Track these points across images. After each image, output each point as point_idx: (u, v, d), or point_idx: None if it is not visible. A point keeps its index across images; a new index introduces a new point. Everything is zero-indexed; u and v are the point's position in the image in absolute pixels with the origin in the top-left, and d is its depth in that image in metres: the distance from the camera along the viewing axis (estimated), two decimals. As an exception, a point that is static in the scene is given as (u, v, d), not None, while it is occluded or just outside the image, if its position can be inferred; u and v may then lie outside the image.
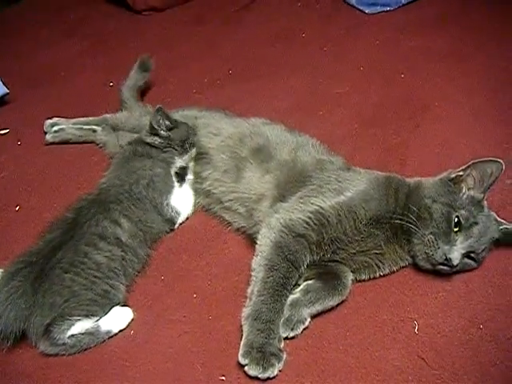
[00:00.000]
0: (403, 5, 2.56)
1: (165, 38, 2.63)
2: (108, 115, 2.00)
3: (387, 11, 2.55)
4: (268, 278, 1.28)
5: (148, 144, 1.61)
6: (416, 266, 1.39)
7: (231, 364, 1.23)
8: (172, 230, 1.60)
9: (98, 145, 1.98)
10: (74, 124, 2.01)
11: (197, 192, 1.67)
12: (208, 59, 2.43)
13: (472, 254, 1.32)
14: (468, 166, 1.35)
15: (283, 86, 2.18)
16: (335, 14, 2.61)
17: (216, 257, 1.52)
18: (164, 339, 1.32)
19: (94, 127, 1.97)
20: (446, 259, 1.29)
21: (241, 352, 1.20)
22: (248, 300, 1.29)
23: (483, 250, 1.33)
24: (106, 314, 1.35)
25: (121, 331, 1.35)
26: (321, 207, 1.35)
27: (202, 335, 1.31)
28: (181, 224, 1.63)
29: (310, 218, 1.34)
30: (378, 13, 2.56)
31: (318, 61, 2.30)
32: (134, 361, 1.27)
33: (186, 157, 1.65)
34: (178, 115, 1.78)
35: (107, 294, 1.35)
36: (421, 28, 2.36)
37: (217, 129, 1.67)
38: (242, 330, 1.26)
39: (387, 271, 1.37)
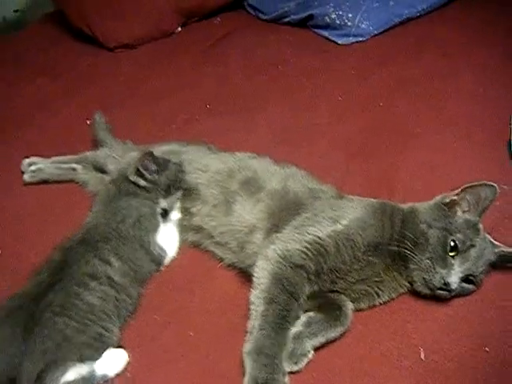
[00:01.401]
0: (375, 35, 2.58)
1: (138, 75, 2.62)
2: (88, 153, 1.98)
3: (360, 41, 2.58)
4: (268, 311, 1.27)
5: (133, 183, 1.57)
6: (415, 292, 1.39)
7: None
8: (159, 269, 1.57)
9: (77, 183, 1.94)
10: (52, 163, 1.97)
11: (185, 228, 1.65)
12: (184, 94, 2.43)
13: (470, 277, 1.34)
14: (462, 190, 1.38)
15: (263, 119, 2.19)
16: (308, 46, 2.65)
17: (209, 293, 1.50)
18: (164, 381, 1.28)
19: (73, 165, 1.95)
20: (445, 283, 1.30)
21: None
22: (249, 335, 1.27)
23: (481, 273, 1.34)
24: (99, 357, 1.30)
25: (117, 375, 1.30)
26: (318, 237, 1.35)
27: (203, 375, 1.28)
28: (168, 263, 1.60)
29: (307, 248, 1.34)
30: (351, 44, 2.58)
31: (295, 93, 2.32)
32: (133, 406, 1.21)
33: (170, 199, 1.64)
34: (159, 150, 1.77)
35: (101, 336, 1.32)
36: (394, 57, 2.41)
37: (204, 165, 1.68)
38: (243, 367, 1.24)
39: (386, 298, 1.37)
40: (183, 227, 1.64)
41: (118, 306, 1.39)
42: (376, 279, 1.35)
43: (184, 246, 1.64)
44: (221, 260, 1.56)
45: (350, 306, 1.34)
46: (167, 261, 1.59)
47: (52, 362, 1.25)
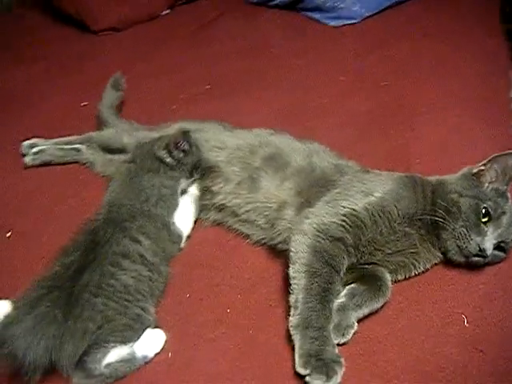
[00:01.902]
0: (366, 17, 2.57)
1: (128, 58, 2.54)
2: (93, 133, 1.91)
3: (351, 24, 2.56)
4: (312, 284, 1.24)
5: (158, 159, 1.51)
6: (447, 263, 1.39)
7: (288, 376, 1.18)
8: (179, 249, 1.52)
9: (84, 164, 1.87)
10: (54, 144, 1.88)
11: (207, 207, 1.60)
12: (180, 76, 2.37)
13: (502, 244, 1.35)
14: (489, 160, 1.38)
15: (264, 99, 2.15)
16: (299, 29, 2.62)
17: (239, 270, 1.47)
18: (207, 359, 1.24)
19: (77, 146, 1.88)
20: (480, 250, 1.31)
21: (299, 362, 1.16)
22: (293, 309, 1.24)
23: (511, 240, 1.33)
24: (138, 338, 1.25)
25: (156, 355, 1.25)
26: (353, 209, 1.33)
27: (248, 350, 1.25)
28: (184, 243, 1.54)
29: (344, 220, 1.31)
30: (343, 25, 2.56)
31: (293, 75, 2.29)
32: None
33: (189, 181, 1.59)
34: (170, 129, 1.70)
35: (140, 317, 1.27)
36: (388, 39, 2.41)
37: (221, 142, 1.62)
38: (290, 341, 1.22)
39: (421, 269, 1.37)
40: (204, 206, 1.60)
41: (151, 286, 1.34)
42: (412, 250, 1.34)
43: (206, 224, 1.59)
44: (247, 237, 1.53)
45: (388, 277, 1.32)
46: (184, 240, 1.53)
47: (94, 344, 1.20)
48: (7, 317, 1.22)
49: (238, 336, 1.28)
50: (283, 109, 2.08)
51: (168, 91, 2.27)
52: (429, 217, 1.35)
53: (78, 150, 1.87)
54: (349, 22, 2.61)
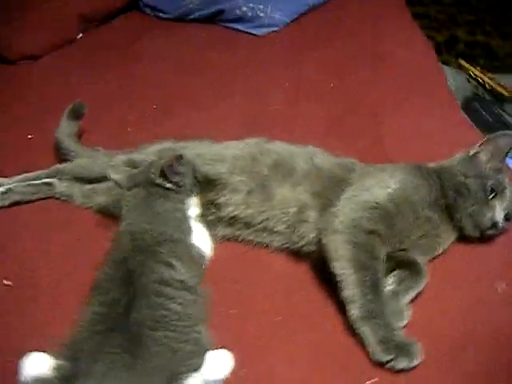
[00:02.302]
0: (287, 24, 2.64)
1: (59, 85, 2.40)
2: (61, 166, 1.80)
3: (275, 31, 2.61)
4: (364, 277, 1.29)
5: (158, 186, 1.46)
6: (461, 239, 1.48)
7: (368, 368, 1.20)
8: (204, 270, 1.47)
9: (57, 199, 1.75)
10: (21, 181, 1.75)
11: (213, 222, 1.57)
12: (121, 98, 2.27)
13: (507, 216, 1.45)
14: (483, 143, 1.50)
15: (218, 113, 2.13)
16: (224, 40, 2.63)
17: (268, 278, 1.47)
18: (282, 370, 1.23)
19: (48, 181, 1.75)
20: (493, 223, 1.41)
21: (378, 350, 1.20)
22: (351, 303, 1.28)
23: None
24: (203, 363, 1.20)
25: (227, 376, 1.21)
26: (377, 202, 1.39)
27: (320, 353, 1.26)
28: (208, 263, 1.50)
29: (371, 214, 1.37)
30: (268, 34, 2.60)
31: (237, 86, 2.28)
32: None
33: (192, 199, 1.54)
34: (152, 150, 1.66)
35: (199, 341, 1.23)
36: (316, 41, 2.49)
37: (217, 154, 1.61)
38: (358, 334, 1.25)
39: (444, 248, 1.46)
40: (209, 222, 1.56)
41: (197, 309, 1.29)
42: (434, 232, 1.42)
43: (216, 241, 1.55)
44: (265, 246, 1.52)
45: (420, 260, 1.38)
46: (207, 260, 1.49)
47: (168, 380, 1.13)
48: (62, 369, 1.13)
49: (304, 341, 1.28)
50: (241, 119, 2.08)
51: (116, 114, 2.18)
52: (443, 200, 1.42)
53: (49, 184, 1.76)
54: (272, 29, 2.66)
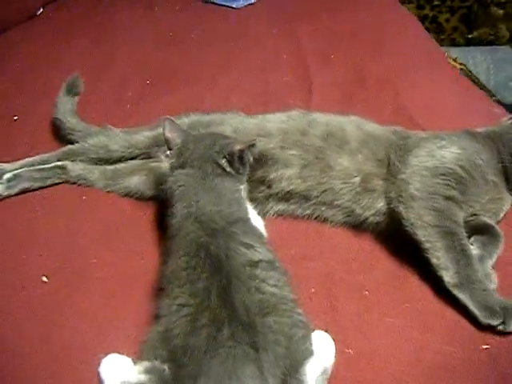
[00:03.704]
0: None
1: (36, 60, 2.10)
2: (73, 146, 1.57)
3: (252, 3, 2.47)
4: (453, 242, 1.20)
5: (218, 165, 1.29)
6: None
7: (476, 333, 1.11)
8: None
9: (73, 183, 1.52)
10: (27, 166, 1.50)
11: (263, 199, 1.43)
12: (110, 74, 2.05)
13: None
14: None
15: (221, 87, 1.97)
16: (204, 15, 2.44)
17: (341, 253, 1.34)
18: (390, 344, 1.12)
19: (60, 164, 1.52)
20: None
21: (484, 315, 1.12)
22: (444, 270, 1.19)
23: None
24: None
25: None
26: (449, 168, 1.30)
27: (420, 323, 1.15)
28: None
29: (446, 179, 1.29)
30: (246, 6, 2.44)
31: (233, 60, 2.12)
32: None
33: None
34: (183, 123, 1.47)
35: (304, 323, 1.08)
36: (303, 14, 2.37)
37: (260, 130, 1.44)
38: (457, 300, 1.16)
39: (503, 214, 1.39)
40: (259, 199, 1.41)
41: (289, 289, 1.14)
42: (498, 196, 1.35)
43: (270, 218, 1.41)
44: (325, 220, 1.38)
45: (491, 223, 1.31)
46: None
47: (291, 368, 0.99)
48: (159, 373, 0.96)
49: (397, 313, 1.17)
50: (248, 93, 1.93)
51: (110, 91, 1.95)
52: (500, 164, 1.36)
53: (62, 167, 1.52)
54: (250, 1, 2.50)
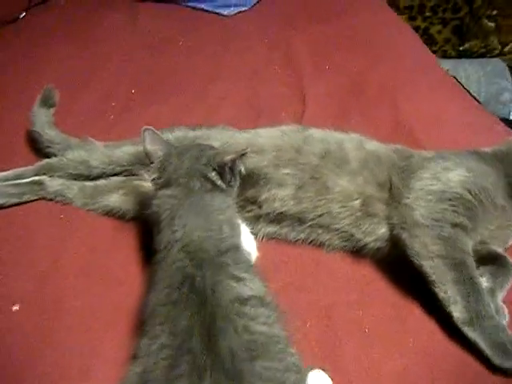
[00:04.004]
0: (254, 4, 2.37)
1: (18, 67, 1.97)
2: (51, 160, 1.44)
3: (243, 11, 2.34)
4: (461, 275, 1.11)
5: (207, 179, 1.16)
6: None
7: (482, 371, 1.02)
8: None
9: (49, 200, 1.40)
10: (4, 181, 1.37)
11: (253, 220, 1.31)
12: (93, 83, 1.91)
13: None
14: None
15: (211, 97, 1.84)
16: (195, 21, 2.30)
17: (338, 282, 1.24)
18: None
19: (37, 179, 1.39)
20: None
21: (496, 355, 1.02)
22: (452, 305, 1.09)
23: None
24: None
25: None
26: (456, 192, 1.19)
27: (431, 364, 1.06)
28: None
29: (453, 205, 1.18)
30: (236, 14, 2.32)
31: (223, 69, 1.99)
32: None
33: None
34: (168, 137, 1.36)
35: (299, 366, 0.97)
36: (296, 23, 2.24)
37: (252, 146, 1.32)
38: (468, 339, 1.06)
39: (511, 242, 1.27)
40: (249, 219, 1.29)
41: (280, 326, 1.02)
42: (507, 222, 1.24)
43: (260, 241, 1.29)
44: (322, 244, 1.27)
45: (500, 251, 1.20)
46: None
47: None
48: None
49: (400, 349, 1.08)
50: (239, 105, 1.82)
51: (93, 101, 1.82)
52: (509, 187, 1.26)
53: (39, 183, 1.39)
54: (239, 9, 2.37)
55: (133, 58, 2.05)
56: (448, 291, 1.08)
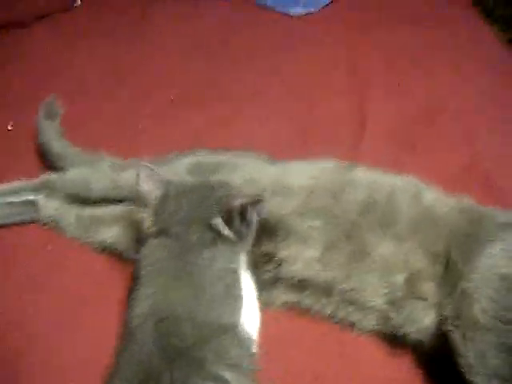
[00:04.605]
0: (327, 4, 2.03)
1: (48, 61, 1.78)
2: (51, 177, 1.19)
3: (312, 13, 2.01)
4: None
5: (210, 228, 0.86)
6: None
7: None
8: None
9: (44, 225, 1.18)
10: None
11: (268, 282, 1.00)
12: (130, 85, 1.68)
13: None
14: None
15: (256, 110, 1.56)
16: (253, 20, 1.99)
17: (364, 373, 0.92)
18: None
19: (31, 198, 1.14)
20: None
21: None
22: None
23: None
24: None
25: None
26: None
27: None
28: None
29: None
30: (305, 15, 1.99)
31: (276, 75, 1.69)
32: None
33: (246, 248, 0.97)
34: (178, 164, 1.08)
35: None
36: (368, 29, 1.87)
37: (277, 185, 1.01)
38: None
39: None
40: (264, 283, 0.99)
41: None
42: None
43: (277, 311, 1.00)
44: (352, 324, 0.94)
45: None
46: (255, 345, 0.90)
47: None
48: None
49: None
50: (288, 123, 1.51)
51: (123, 106, 1.58)
52: None
53: (33, 203, 1.15)
54: (310, 10, 2.04)
55: (179, 59, 1.79)
56: None
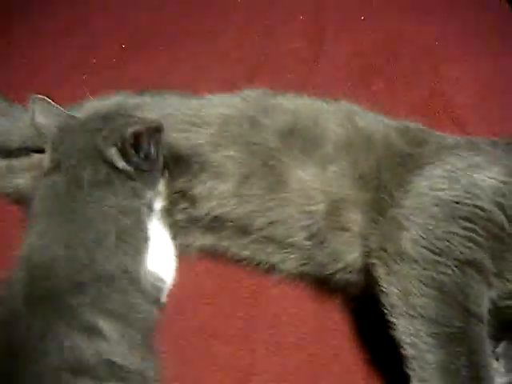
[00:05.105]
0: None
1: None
2: None
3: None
4: (462, 361, 0.61)
5: (105, 161, 0.73)
6: None
7: None
8: (160, 310, 0.77)
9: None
10: None
11: (183, 225, 0.88)
12: (81, 34, 1.54)
13: None
14: None
15: (208, 52, 1.42)
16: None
17: (299, 330, 0.81)
18: None
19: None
20: None
21: None
22: None
23: None
24: None
25: None
26: (479, 207, 0.68)
27: None
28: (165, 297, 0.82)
29: (467, 228, 0.65)
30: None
31: (234, 16, 1.54)
32: None
33: (157, 187, 0.84)
34: (102, 106, 0.99)
35: None
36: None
37: (195, 115, 0.89)
38: None
39: None
40: (177, 224, 0.87)
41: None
42: None
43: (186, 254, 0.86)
44: (272, 267, 0.81)
45: None
46: (166, 292, 0.79)
47: None
48: None
49: None
50: (240, 62, 1.38)
51: (71, 56, 1.45)
52: None
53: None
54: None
55: (139, 8, 1.65)
56: (427, 381, 0.59)
